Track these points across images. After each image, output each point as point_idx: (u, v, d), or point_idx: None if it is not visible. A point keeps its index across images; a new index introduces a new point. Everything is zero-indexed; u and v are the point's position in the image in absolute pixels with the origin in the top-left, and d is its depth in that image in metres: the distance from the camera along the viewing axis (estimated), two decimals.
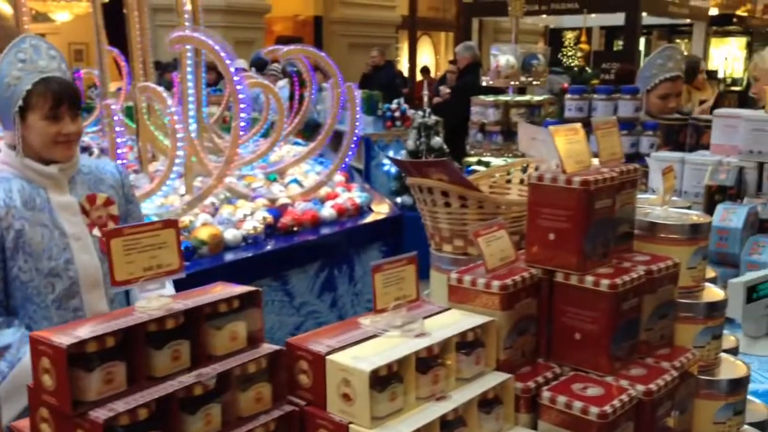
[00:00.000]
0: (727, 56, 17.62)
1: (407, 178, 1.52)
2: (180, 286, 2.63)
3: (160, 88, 3.86)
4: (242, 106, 3.34)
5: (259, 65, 7.69)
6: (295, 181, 4.32)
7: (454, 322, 1.07)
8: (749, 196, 2.30)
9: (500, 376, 1.07)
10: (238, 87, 3.34)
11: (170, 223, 0.91)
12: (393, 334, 1.02)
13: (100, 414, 0.78)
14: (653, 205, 1.38)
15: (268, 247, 3.32)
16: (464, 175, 1.53)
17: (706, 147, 2.62)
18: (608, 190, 1.14)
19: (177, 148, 3.31)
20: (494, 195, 1.65)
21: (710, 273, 1.40)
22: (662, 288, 1.19)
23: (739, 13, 17.33)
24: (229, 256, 3.14)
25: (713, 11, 15.06)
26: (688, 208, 1.56)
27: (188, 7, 3.96)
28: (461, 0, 13.89)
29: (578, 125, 1.19)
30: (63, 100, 1.93)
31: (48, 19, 14.14)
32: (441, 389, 1.01)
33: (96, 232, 2.02)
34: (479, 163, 5.19)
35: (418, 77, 11.93)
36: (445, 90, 8.05)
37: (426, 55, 15.74)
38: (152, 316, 0.86)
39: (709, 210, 2.26)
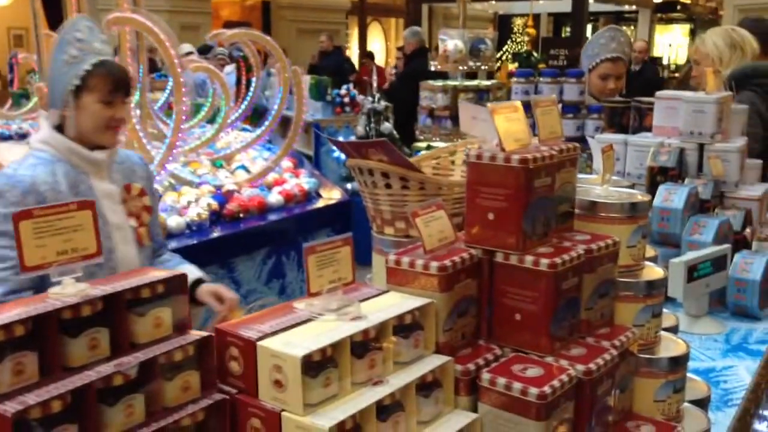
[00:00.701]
0: (672, 43, 17.98)
1: (347, 159, 1.48)
2: None
3: None
4: (184, 90, 3.25)
5: (204, 50, 7.54)
6: (243, 167, 4.25)
7: (392, 304, 1.04)
8: (690, 177, 2.33)
9: (439, 359, 1.05)
10: (180, 71, 3.24)
11: (85, 204, 0.85)
12: (328, 317, 0.98)
13: (9, 407, 0.73)
14: (594, 185, 1.37)
15: (214, 234, 3.25)
16: (404, 155, 1.50)
17: (649, 129, 2.64)
18: (547, 168, 1.12)
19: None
20: (437, 176, 1.62)
21: (650, 252, 1.40)
22: (602, 267, 1.18)
23: (682, 0, 17.70)
24: (172, 244, 3.06)
25: None
26: (631, 187, 1.56)
27: None
28: None
29: (517, 102, 1.17)
30: (121, 85, 1.90)
31: None
32: (378, 374, 0.98)
33: (132, 222, 1.99)
34: (428, 148, 5.19)
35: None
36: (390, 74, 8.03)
37: (376, 41, 15.68)
38: (66, 303, 0.80)
39: (652, 191, 2.28)
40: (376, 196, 1.47)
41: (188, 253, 3.02)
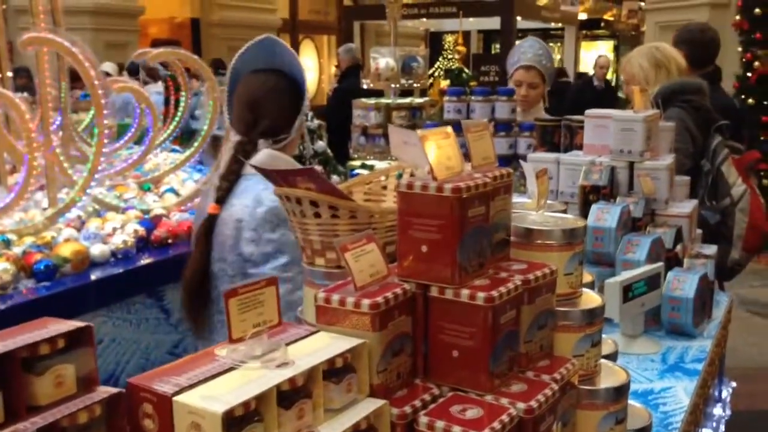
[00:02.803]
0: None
1: (274, 188, 1.41)
2: (38, 311, 2.42)
3: (17, 95, 3.57)
4: (105, 112, 3.12)
5: (132, 69, 7.34)
6: (171, 190, 4.10)
7: (322, 347, 0.98)
8: (621, 196, 2.34)
9: (374, 403, 0.99)
10: (101, 92, 3.11)
11: None
12: (252, 365, 0.91)
13: None
14: (528, 210, 1.34)
15: (141, 262, 3.11)
16: (333, 182, 1.44)
17: (580, 147, 2.66)
18: (481, 196, 1.08)
19: (34, 158, 3.05)
20: (367, 203, 1.57)
21: (587, 277, 1.38)
22: (540, 297, 1.14)
23: (606, 17, 18.26)
24: (96, 274, 2.91)
25: (582, 16, 15.78)
26: (564, 211, 1.54)
27: (46, 6, 3.68)
28: (342, 3, 13.86)
29: (449, 128, 1.13)
30: None
31: None
32: (307, 424, 0.91)
33: None
34: (363, 166, 5.14)
35: None
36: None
37: (308, 59, 15.59)
38: None
39: (585, 210, 2.28)
40: (305, 226, 1.40)
41: (112, 283, 2.90)
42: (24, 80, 6.86)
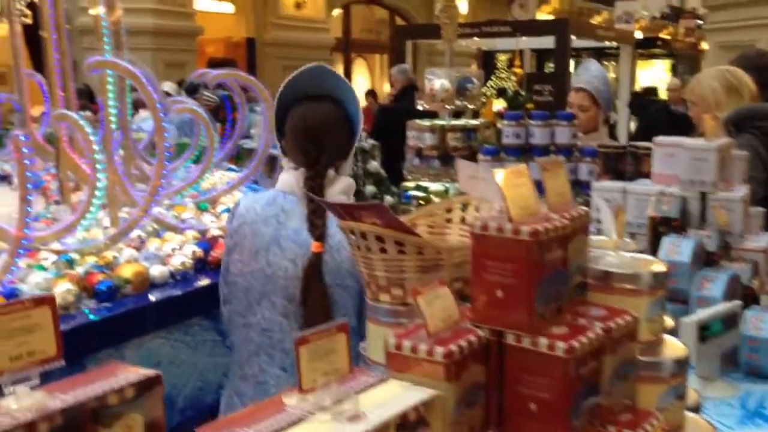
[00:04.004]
0: (654, 78, 18.17)
1: (338, 221, 1.38)
2: (100, 332, 2.40)
3: (80, 115, 3.64)
4: (166, 133, 3.15)
5: (190, 89, 7.46)
6: (228, 210, 4.12)
7: (393, 397, 0.93)
8: (693, 228, 2.24)
9: None
10: (161, 115, 3.15)
11: (45, 300, 0.74)
12: (322, 417, 0.87)
13: None
14: (604, 249, 1.27)
15: (199, 284, 3.12)
16: (400, 217, 1.40)
17: (647, 175, 2.57)
18: (559, 239, 1.03)
19: (97, 178, 3.09)
20: (434, 236, 1.52)
21: (668, 322, 1.30)
22: (622, 346, 1.08)
23: (662, 35, 17.94)
24: (156, 295, 2.93)
25: (638, 34, 15.53)
26: (639, 251, 1.47)
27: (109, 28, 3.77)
28: (394, 22, 13.92)
29: (523, 167, 1.08)
30: None
31: None
32: None
33: None
34: (417, 188, 5.10)
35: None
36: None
37: (361, 77, 15.71)
38: (19, 421, 0.69)
39: (654, 243, 2.19)
40: (370, 261, 1.36)
41: (171, 305, 2.91)
42: (84, 100, 7.04)
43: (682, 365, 1.15)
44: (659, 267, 1.20)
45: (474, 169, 1.36)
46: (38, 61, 4.32)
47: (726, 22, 7.86)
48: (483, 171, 1.30)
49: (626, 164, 2.75)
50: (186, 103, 4.67)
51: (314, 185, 1.96)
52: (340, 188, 2.02)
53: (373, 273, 1.37)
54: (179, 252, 3.22)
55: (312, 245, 1.96)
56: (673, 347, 1.20)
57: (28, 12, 4.65)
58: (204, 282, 3.13)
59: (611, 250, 1.25)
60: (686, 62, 16.83)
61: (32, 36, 4.39)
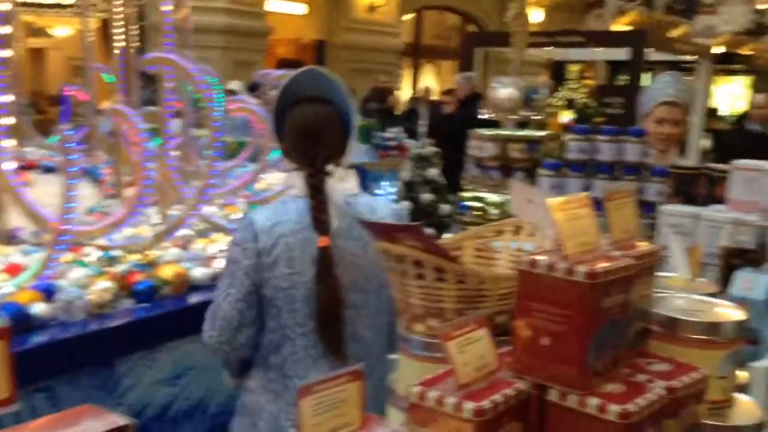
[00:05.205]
0: (732, 94, 17.48)
1: (377, 241, 1.26)
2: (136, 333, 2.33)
3: (143, 110, 3.65)
4: (219, 129, 3.09)
5: (253, 87, 7.48)
6: None
7: None
8: None
9: None
10: (215, 110, 3.09)
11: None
12: None
13: None
14: (672, 289, 1.11)
15: None
16: (447, 236, 1.27)
17: (720, 200, 2.36)
18: (621, 282, 0.88)
19: (146, 172, 3.05)
20: (478, 263, 1.38)
21: (742, 376, 1.13)
22: (686, 409, 0.92)
23: (742, 51, 17.22)
24: (195, 297, 2.87)
25: (718, 49, 14.93)
26: (713, 295, 1.29)
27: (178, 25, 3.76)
28: (465, 29, 13.74)
29: (584, 195, 0.93)
30: None
31: (46, 34, 14.00)
32: None
33: None
34: (475, 198, 4.95)
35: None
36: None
37: (429, 83, 15.55)
38: None
39: (726, 275, 1.99)
40: (406, 287, 1.24)
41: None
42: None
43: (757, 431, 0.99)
44: (738, 314, 1.03)
45: (529, 193, 1.22)
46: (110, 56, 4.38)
47: None
48: (538, 195, 1.16)
49: (700, 187, 2.55)
50: (245, 102, 4.63)
51: (315, 182, 1.99)
52: (345, 186, 2.09)
53: (408, 300, 1.24)
54: (224, 254, 3.15)
55: (318, 240, 1.95)
56: (747, 409, 1.03)
57: (106, 7, 4.71)
58: None
59: (680, 292, 1.09)
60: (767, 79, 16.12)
61: (109, 31, 4.44)
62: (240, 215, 3.91)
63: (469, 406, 0.82)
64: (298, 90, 2.06)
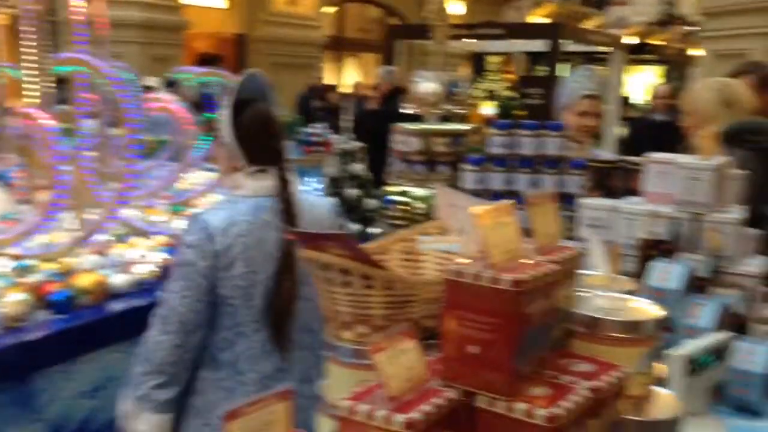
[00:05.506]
0: (644, 83, 18.12)
1: (300, 249, 1.24)
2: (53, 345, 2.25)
3: (57, 108, 3.50)
4: (137, 127, 3.00)
5: (171, 83, 7.30)
6: None
7: None
8: (684, 252, 2.12)
9: None
10: (132, 110, 3.00)
11: None
12: None
13: None
14: (593, 288, 1.14)
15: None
16: (373, 242, 1.27)
17: (635, 192, 2.45)
18: (545, 288, 0.89)
19: (60, 176, 2.93)
20: (405, 266, 1.39)
21: (660, 370, 1.18)
22: (609, 407, 0.95)
23: (653, 41, 17.88)
24: (117, 306, 2.78)
25: (630, 40, 15.46)
26: (631, 291, 1.34)
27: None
28: (387, 22, 13.77)
29: (508, 204, 0.94)
30: None
31: None
32: None
33: None
34: (400, 193, 4.97)
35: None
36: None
37: (351, 76, 15.53)
38: None
39: (643, 266, 2.07)
40: (333, 295, 1.23)
41: (132, 318, 2.76)
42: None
43: (675, 425, 1.02)
44: (656, 311, 1.07)
45: (454, 197, 1.22)
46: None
47: (720, 30, 7.77)
48: (463, 199, 1.17)
49: (617, 180, 2.63)
50: (164, 99, 4.50)
51: (285, 177, 2.06)
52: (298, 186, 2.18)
53: (336, 308, 1.24)
54: (146, 259, 3.07)
55: (283, 235, 2.00)
56: (666, 402, 1.07)
57: (15, 2, 4.49)
58: None
59: (601, 290, 1.12)
60: (678, 68, 16.78)
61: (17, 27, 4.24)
62: (162, 218, 3.81)
63: (400, 418, 0.82)
64: (250, 92, 2.11)
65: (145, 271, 2.96)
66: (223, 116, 2.07)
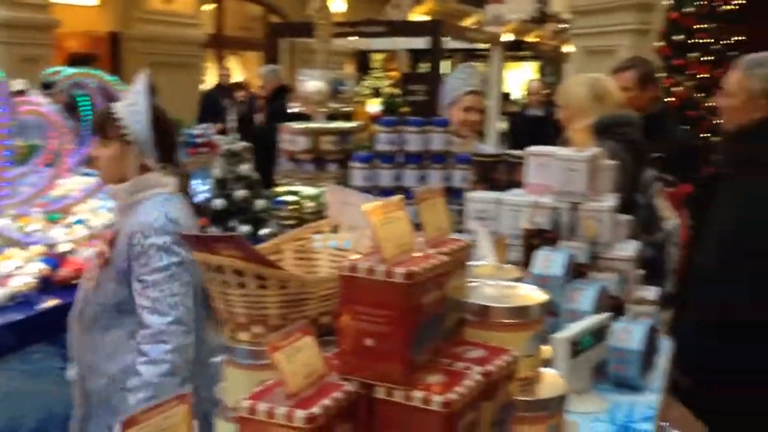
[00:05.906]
0: (522, 79, 18.82)
1: (193, 252, 1.22)
2: None
3: None
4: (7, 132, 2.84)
5: (47, 85, 6.93)
6: (81, 221, 3.79)
7: None
8: (564, 239, 2.23)
9: None
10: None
11: None
12: None
13: None
14: (482, 277, 1.19)
15: (43, 306, 2.81)
16: (266, 243, 1.26)
17: (518, 185, 2.55)
18: (437, 279, 0.92)
19: None
20: (299, 265, 1.39)
21: (546, 351, 1.24)
22: (501, 390, 0.99)
23: (529, 39, 18.62)
24: None
25: (507, 37, 16.03)
26: (517, 279, 1.40)
27: None
28: (268, 20, 13.62)
29: (398, 199, 0.97)
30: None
31: None
32: None
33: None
34: (290, 193, 4.95)
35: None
36: (258, 116, 7.71)
37: (234, 75, 15.24)
38: None
39: (528, 254, 2.16)
40: (228, 297, 1.22)
41: (10, 332, 2.62)
42: None
43: (561, 402, 1.08)
44: (540, 296, 1.13)
45: (345, 195, 1.24)
46: None
47: (590, 28, 8.19)
48: (354, 195, 1.18)
49: (500, 173, 2.73)
50: (35, 102, 4.27)
51: (183, 174, 2.20)
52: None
53: (231, 309, 1.22)
54: (22, 271, 2.91)
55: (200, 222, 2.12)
56: (552, 382, 1.13)
57: None
58: (49, 303, 2.83)
59: (489, 279, 1.17)
60: (552, 64, 17.54)
61: None
62: (37, 226, 3.62)
63: (300, 414, 0.83)
64: (152, 90, 2.22)
65: (21, 283, 2.81)
66: (136, 114, 2.03)
